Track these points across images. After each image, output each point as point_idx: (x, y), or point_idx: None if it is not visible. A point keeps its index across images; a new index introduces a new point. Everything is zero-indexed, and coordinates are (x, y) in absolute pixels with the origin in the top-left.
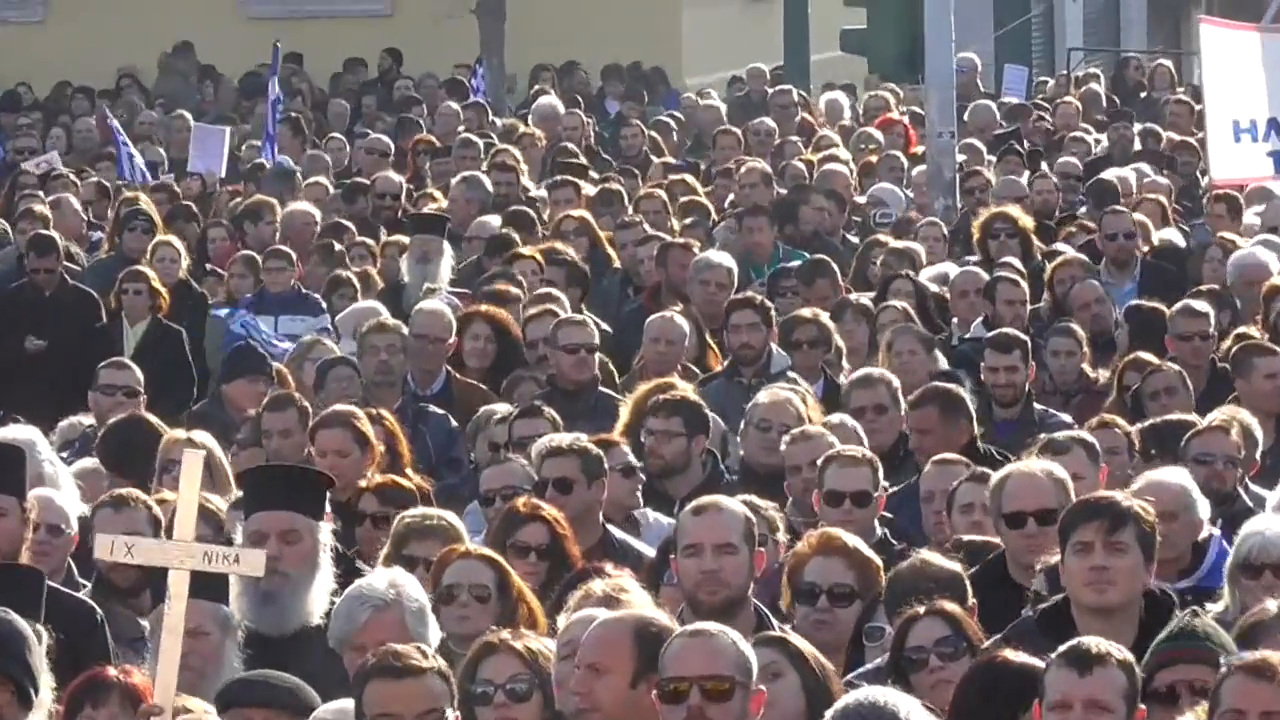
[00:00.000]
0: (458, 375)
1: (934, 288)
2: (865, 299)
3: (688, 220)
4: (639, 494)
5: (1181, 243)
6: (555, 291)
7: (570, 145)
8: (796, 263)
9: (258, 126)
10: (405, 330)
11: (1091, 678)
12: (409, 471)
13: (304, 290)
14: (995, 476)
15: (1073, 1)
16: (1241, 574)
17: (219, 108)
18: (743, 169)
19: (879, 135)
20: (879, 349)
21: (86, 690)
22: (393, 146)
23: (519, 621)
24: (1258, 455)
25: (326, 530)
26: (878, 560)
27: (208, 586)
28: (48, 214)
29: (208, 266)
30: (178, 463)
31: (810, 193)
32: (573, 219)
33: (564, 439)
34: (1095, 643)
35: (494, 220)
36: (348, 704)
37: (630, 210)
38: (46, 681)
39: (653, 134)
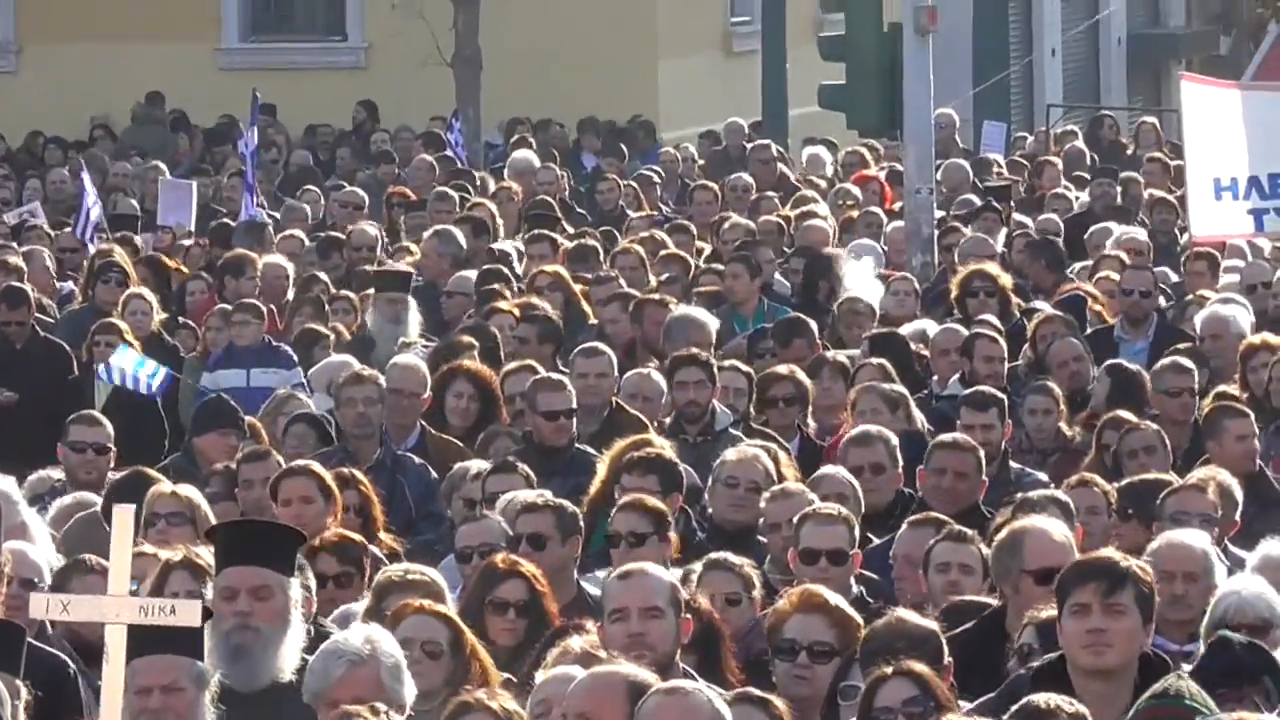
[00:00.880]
0: (432, 430)
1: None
2: (843, 356)
3: (664, 276)
4: None
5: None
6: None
7: (546, 199)
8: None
9: (233, 178)
10: (382, 381)
11: None
12: (381, 535)
13: (274, 343)
14: (1004, 534)
15: (1052, 57)
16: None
17: (193, 159)
18: (725, 225)
19: (857, 191)
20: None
21: None
22: (367, 200)
23: (472, 679)
24: (1237, 516)
25: (297, 586)
26: (858, 618)
27: (181, 642)
28: (21, 265)
29: (180, 320)
30: (162, 516)
31: (761, 247)
32: (547, 274)
33: (538, 494)
34: (1045, 699)
35: (472, 275)
36: None
37: (607, 265)
38: None
39: (633, 185)
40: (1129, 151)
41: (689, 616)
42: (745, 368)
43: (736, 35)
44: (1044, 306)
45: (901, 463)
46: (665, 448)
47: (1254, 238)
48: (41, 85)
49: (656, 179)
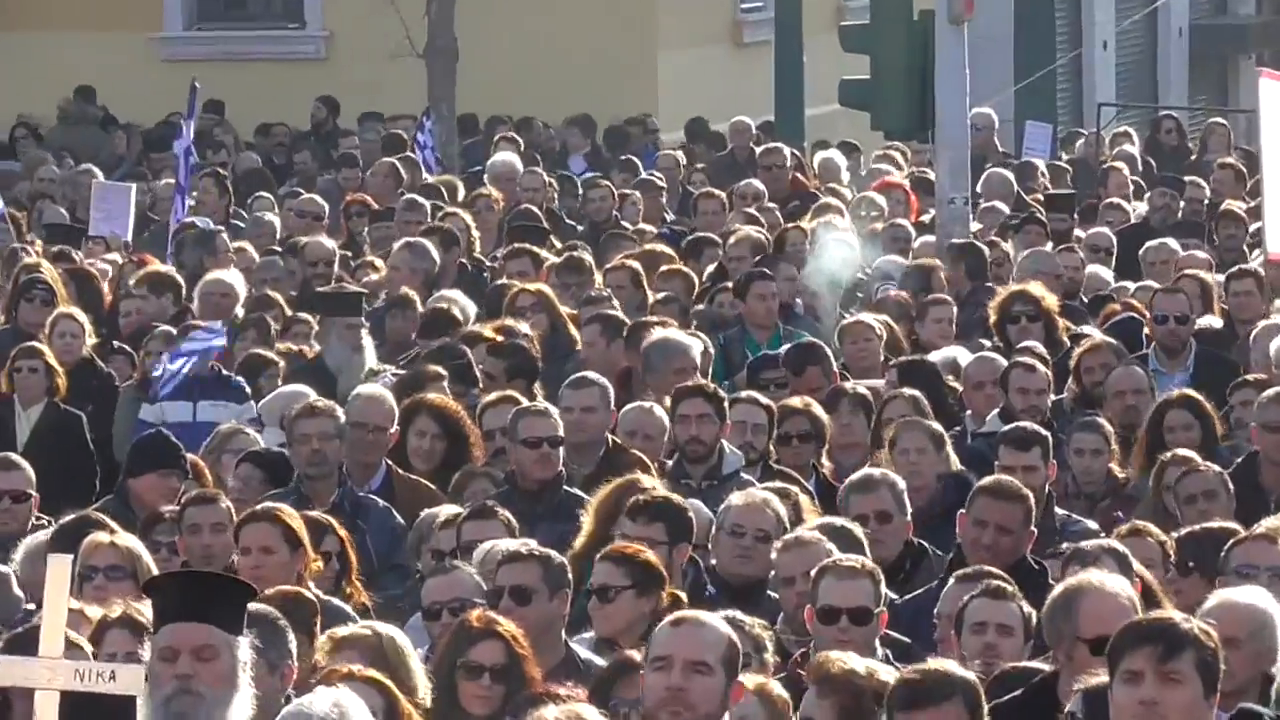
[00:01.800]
0: (400, 471)
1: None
2: (863, 387)
3: (660, 296)
4: None
5: (1219, 325)
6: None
7: (530, 208)
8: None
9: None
10: (341, 414)
11: None
12: (356, 583)
13: (224, 372)
14: (1057, 592)
15: (1104, 51)
16: None
17: (130, 162)
18: (731, 239)
19: (882, 201)
20: (883, 445)
21: None
22: (327, 209)
23: None
24: None
25: (246, 645)
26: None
27: (119, 710)
28: None
29: (115, 344)
30: (100, 570)
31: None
32: (530, 294)
33: (521, 543)
34: None
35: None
36: None
37: (598, 283)
38: None
39: (634, 192)
40: (1192, 157)
41: (742, 681)
42: (765, 400)
43: (746, 24)
44: (1093, 332)
45: (911, 510)
46: (665, 490)
47: None
48: None
49: (660, 183)
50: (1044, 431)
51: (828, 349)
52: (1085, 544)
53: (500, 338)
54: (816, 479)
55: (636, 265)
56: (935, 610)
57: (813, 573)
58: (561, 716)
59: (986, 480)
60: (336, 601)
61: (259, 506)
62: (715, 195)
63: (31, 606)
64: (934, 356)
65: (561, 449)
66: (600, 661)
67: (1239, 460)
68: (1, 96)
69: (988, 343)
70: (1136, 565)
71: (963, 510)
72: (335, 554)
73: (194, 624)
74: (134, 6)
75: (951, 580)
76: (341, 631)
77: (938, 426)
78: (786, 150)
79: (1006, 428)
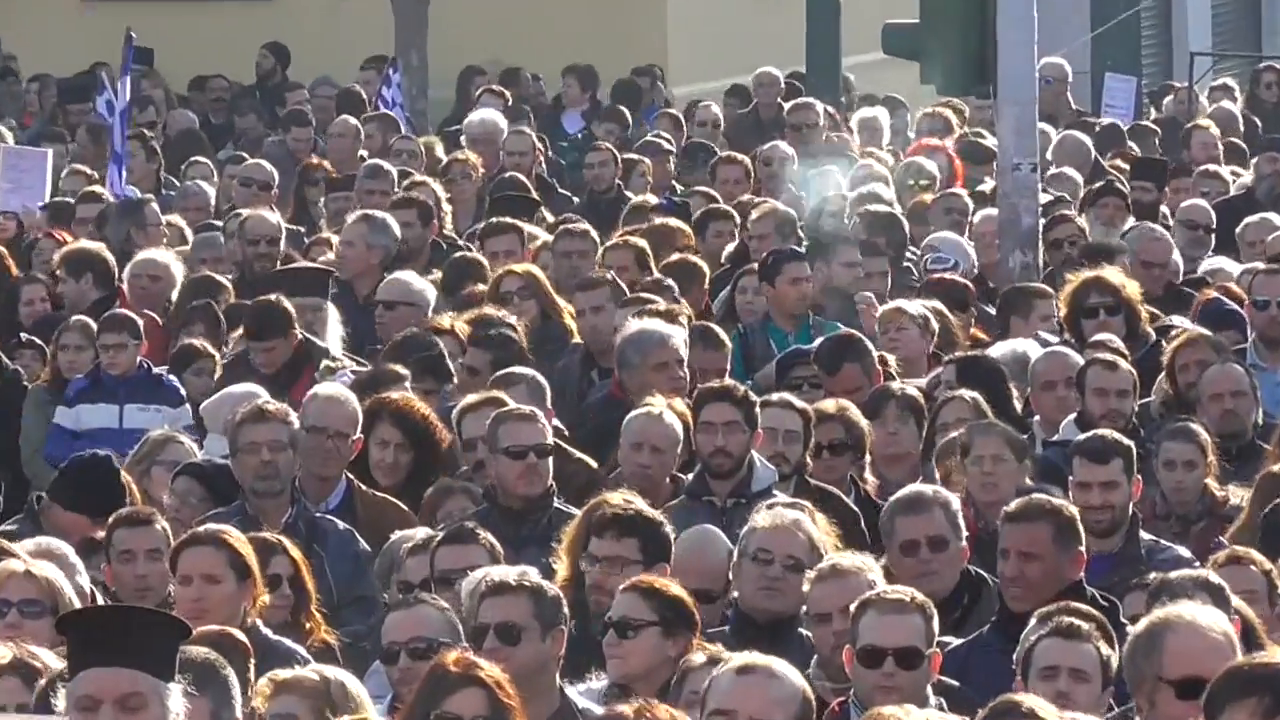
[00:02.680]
0: (363, 487)
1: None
2: (913, 388)
3: (667, 281)
4: None
5: None
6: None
7: (517, 175)
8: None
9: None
10: (294, 419)
11: None
12: (316, 615)
13: (155, 370)
14: (1141, 628)
15: None
16: None
17: (43, 120)
18: (754, 214)
19: (933, 167)
20: (942, 455)
21: None
22: (277, 176)
23: None
24: None
25: (178, 694)
26: None
27: None
28: None
29: (23, 337)
30: (14, 604)
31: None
32: (517, 275)
33: (510, 572)
34: None
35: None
36: None
37: (597, 264)
38: None
39: (637, 157)
40: None
41: None
42: (799, 403)
43: None
44: (1186, 324)
45: (981, 532)
46: (644, 505)
47: None
48: None
49: (667, 145)
50: (1127, 441)
51: (868, 343)
52: (1174, 574)
53: (470, 329)
54: (857, 496)
55: (642, 243)
56: (1015, 657)
57: (852, 607)
58: None
59: (1011, 503)
60: (288, 642)
61: (200, 529)
62: (738, 160)
63: None
64: (997, 350)
65: (550, 460)
66: (599, 710)
67: None
68: None
69: (1054, 338)
70: (1235, 600)
71: None
72: (287, 578)
73: (118, 669)
74: None
75: (1034, 619)
76: (283, 674)
77: (1018, 434)
78: (820, 107)
79: (1082, 436)
